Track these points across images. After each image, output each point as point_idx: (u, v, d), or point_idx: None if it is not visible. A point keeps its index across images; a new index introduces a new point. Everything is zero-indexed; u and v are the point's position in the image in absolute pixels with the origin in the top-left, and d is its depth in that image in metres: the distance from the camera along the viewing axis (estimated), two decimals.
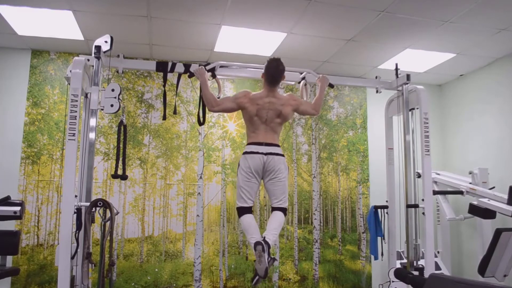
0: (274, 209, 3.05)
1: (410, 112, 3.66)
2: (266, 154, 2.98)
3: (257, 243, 2.72)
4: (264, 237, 2.81)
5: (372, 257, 4.83)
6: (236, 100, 3.09)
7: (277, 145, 3.07)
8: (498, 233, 3.59)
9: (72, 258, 2.64)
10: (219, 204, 4.92)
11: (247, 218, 2.97)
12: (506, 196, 3.75)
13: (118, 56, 3.22)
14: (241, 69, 3.43)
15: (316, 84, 3.47)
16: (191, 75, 3.28)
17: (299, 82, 3.60)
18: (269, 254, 2.73)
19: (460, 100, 5.48)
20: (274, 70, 3.06)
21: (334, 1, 3.52)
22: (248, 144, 3.07)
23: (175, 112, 3.81)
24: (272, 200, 3.07)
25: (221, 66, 3.29)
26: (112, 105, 2.90)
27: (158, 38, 4.35)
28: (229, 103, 3.11)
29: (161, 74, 3.33)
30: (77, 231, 2.71)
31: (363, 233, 5.30)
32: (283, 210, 3.04)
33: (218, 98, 3.28)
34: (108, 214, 2.67)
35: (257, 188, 3.06)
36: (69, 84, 2.77)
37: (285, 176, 3.05)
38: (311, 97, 5.34)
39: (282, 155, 3.06)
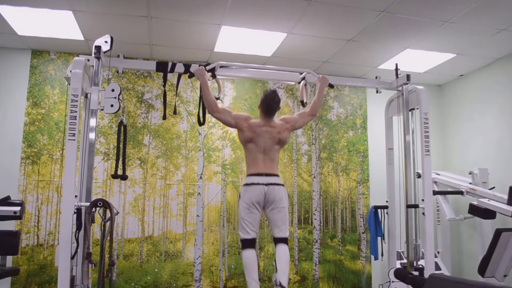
0: (276, 240, 3.06)
1: (410, 112, 3.66)
2: (266, 184, 3.01)
3: None
4: (280, 283, 2.82)
5: (372, 257, 4.83)
6: (236, 119, 3.14)
7: (277, 175, 3.11)
8: (498, 233, 3.59)
9: (72, 258, 2.64)
10: (219, 204, 4.92)
11: (248, 255, 2.99)
12: (506, 196, 3.75)
13: (118, 56, 3.22)
14: (241, 69, 3.43)
15: (316, 84, 3.48)
16: (191, 75, 3.28)
17: (299, 82, 3.61)
18: None
19: (460, 100, 5.48)
20: (270, 102, 3.14)
21: (334, 1, 3.52)
22: (248, 175, 3.10)
23: (175, 112, 3.81)
24: (273, 229, 3.08)
25: (221, 66, 3.29)
26: (112, 105, 2.90)
27: (158, 38, 4.35)
28: (228, 116, 3.14)
29: (161, 74, 3.33)
30: (77, 231, 2.71)
31: (363, 233, 5.30)
32: (286, 241, 3.05)
33: (218, 98, 3.29)
34: (108, 214, 2.67)
35: (259, 219, 3.08)
36: (69, 84, 2.77)
37: (286, 205, 3.08)
38: (311, 97, 5.35)
39: (283, 185, 3.10)
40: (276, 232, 3.06)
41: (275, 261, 3.01)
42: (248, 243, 3.02)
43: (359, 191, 5.39)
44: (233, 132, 5.06)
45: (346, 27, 4.03)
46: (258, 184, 3.01)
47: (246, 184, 3.06)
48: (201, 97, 3.27)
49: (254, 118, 3.21)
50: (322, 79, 3.44)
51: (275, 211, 3.04)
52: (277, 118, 3.26)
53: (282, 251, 3.00)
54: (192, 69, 3.27)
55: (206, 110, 3.26)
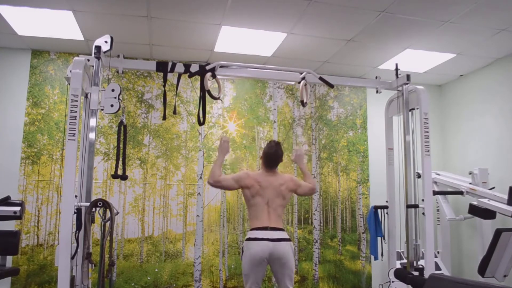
0: None
1: (410, 112, 3.65)
2: (272, 240, 2.91)
3: None
4: None
5: (372, 257, 4.84)
6: (239, 182, 3.11)
7: (283, 229, 3.03)
8: (498, 233, 3.59)
9: (72, 258, 2.63)
10: (219, 205, 4.92)
11: None
12: (506, 196, 3.75)
13: (118, 56, 3.21)
14: (241, 69, 3.42)
15: (293, 161, 3.46)
16: (191, 75, 3.27)
17: (299, 82, 3.60)
18: None
19: (460, 100, 5.48)
20: (273, 156, 3.14)
21: (334, 2, 3.52)
22: (252, 229, 3.01)
23: (175, 112, 3.80)
24: (279, 283, 3.03)
25: (221, 66, 3.28)
26: (112, 105, 2.90)
27: (158, 38, 4.35)
28: (230, 182, 3.14)
29: (161, 74, 3.32)
30: (77, 231, 2.71)
31: (363, 233, 5.30)
32: None
33: (218, 98, 3.27)
34: (108, 214, 2.67)
35: (263, 273, 3.02)
36: (69, 84, 2.76)
37: (293, 260, 3.01)
38: (311, 97, 5.35)
39: (289, 239, 3.01)
40: (282, 286, 3.01)
41: None
42: None
43: (359, 191, 5.39)
44: (233, 132, 5.07)
45: (346, 27, 4.03)
46: (263, 239, 2.91)
47: (250, 239, 2.95)
48: (201, 97, 3.27)
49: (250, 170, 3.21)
50: (296, 156, 3.39)
51: (282, 267, 2.96)
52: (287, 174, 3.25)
53: None
54: (220, 139, 3.25)
55: (207, 109, 3.27)
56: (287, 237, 3.02)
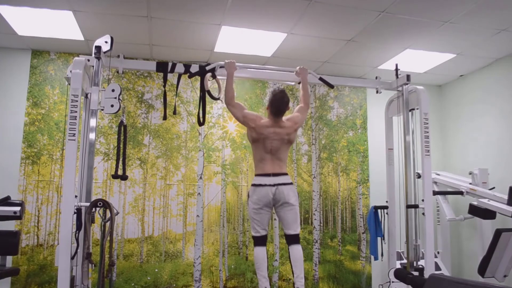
0: (288, 238, 3.08)
1: (410, 113, 3.66)
2: (274, 185, 3.00)
3: None
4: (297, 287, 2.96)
5: (372, 257, 4.84)
6: (245, 117, 3.13)
7: (285, 174, 3.09)
8: (498, 233, 3.59)
9: (72, 258, 2.64)
10: (219, 205, 4.92)
11: (258, 252, 3.07)
12: (506, 197, 3.75)
13: (118, 56, 3.22)
14: (241, 69, 3.43)
15: (297, 77, 3.45)
16: (191, 75, 3.28)
17: (299, 83, 3.60)
18: None
19: (460, 101, 5.48)
20: (279, 103, 3.11)
21: (334, 2, 3.52)
22: (256, 175, 3.10)
23: (175, 113, 3.81)
24: (284, 227, 3.10)
25: (221, 67, 3.29)
26: (112, 106, 2.90)
27: (158, 38, 4.35)
28: (240, 113, 3.15)
29: (161, 74, 3.33)
30: (77, 231, 2.71)
31: (363, 233, 5.30)
32: (298, 239, 3.08)
33: (218, 99, 3.29)
34: (108, 214, 2.67)
35: (269, 218, 3.12)
36: (69, 84, 2.77)
37: (296, 203, 3.07)
38: (311, 97, 5.35)
39: (291, 183, 3.08)
40: (287, 230, 3.09)
41: (290, 263, 3.08)
42: (259, 241, 3.09)
43: (359, 191, 5.39)
44: (233, 132, 5.07)
45: (346, 27, 4.03)
46: (266, 185, 3.00)
47: (254, 185, 3.06)
48: (201, 97, 3.28)
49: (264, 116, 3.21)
50: (301, 70, 3.41)
51: (284, 210, 3.05)
52: (285, 117, 3.22)
53: (296, 253, 3.05)
54: (218, 65, 3.27)
55: (207, 110, 3.27)
56: (290, 181, 3.08)
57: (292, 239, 3.07)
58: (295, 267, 3.04)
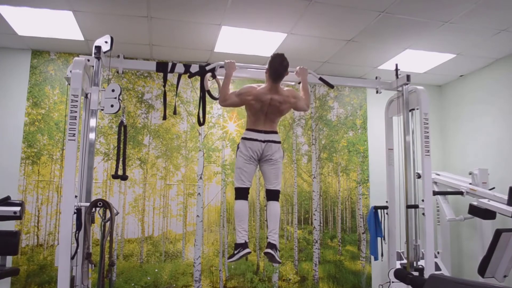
0: (268, 193, 3.19)
1: (410, 113, 3.66)
2: (264, 141, 3.11)
3: (266, 253, 2.99)
4: (269, 241, 3.02)
5: (372, 257, 4.84)
6: (240, 96, 3.16)
7: (275, 132, 3.20)
8: (498, 233, 3.58)
9: (72, 258, 2.64)
10: (219, 205, 4.92)
11: (241, 205, 3.15)
12: (506, 197, 3.75)
13: (118, 56, 3.22)
14: (241, 69, 3.43)
15: (297, 77, 3.46)
16: (191, 75, 3.28)
17: (299, 83, 3.60)
18: (277, 250, 3.00)
19: (460, 101, 5.48)
20: (278, 66, 3.09)
21: (334, 2, 3.52)
22: (248, 129, 3.18)
23: (175, 113, 3.81)
24: (266, 182, 3.21)
25: (221, 67, 3.29)
26: (112, 106, 2.90)
27: (158, 39, 4.35)
28: (234, 98, 3.19)
29: (161, 74, 3.32)
30: (77, 232, 2.71)
31: (363, 233, 5.30)
32: (277, 196, 3.20)
33: (217, 99, 3.28)
34: (108, 215, 2.67)
35: (254, 170, 3.21)
36: (69, 84, 2.77)
37: (280, 161, 3.20)
38: (311, 97, 5.35)
39: (279, 142, 3.19)
40: (268, 185, 3.20)
41: (266, 218, 3.23)
42: (242, 193, 3.15)
43: (359, 192, 5.39)
44: (233, 132, 5.07)
45: (346, 27, 4.03)
46: (256, 140, 3.10)
47: (245, 138, 3.14)
48: (201, 97, 3.28)
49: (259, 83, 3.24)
50: (301, 70, 3.41)
51: (269, 166, 3.16)
52: (285, 88, 3.24)
53: (273, 209, 3.16)
54: (218, 65, 3.30)
55: (207, 110, 3.28)
56: (278, 139, 3.18)
57: (272, 195, 3.18)
58: (269, 222, 3.13)
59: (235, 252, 3.08)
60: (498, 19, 3.82)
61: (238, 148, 3.18)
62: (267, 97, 3.10)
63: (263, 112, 3.13)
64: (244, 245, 3.05)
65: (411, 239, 3.49)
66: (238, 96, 3.16)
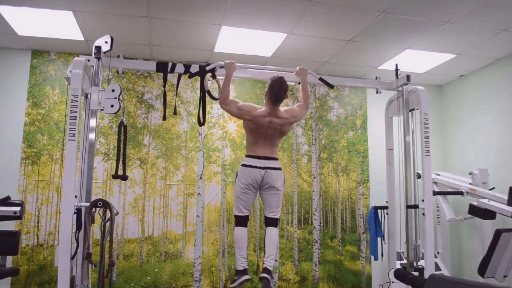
0: (266, 220, 3.17)
1: (410, 113, 3.66)
2: (264, 168, 3.07)
3: (261, 278, 2.95)
4: (266, 267, 2.99)
5: (372, 257, 4.84)
6: (241, 110, 3.15)
7: (275, 159, 3.16)
8: (498, 233, 3.58)
9: (72, 258, 2.64)
10: (219, 205, 4.92)
11: (239, 232, 3.14)
12: (506, 197, 3.75)
13: (118, 56, 3.22)
14: (241, 69, 3.43)
15: (297, 78, 3.45)
16: (191, 75, 3.28)
17: (299, 83, 3.60)
18: (270, 280, 2.95)
19: (460, 101, 5.48)
20: (277, 90, 3.10)
21: (334, 2, 3.52)
22: (247, 156, 3.15)
23: (175, 113, 3.81)
24: (266, 209, 3.18)
25: (221, 67, 3.29)
26: (112, 106, 2.90)
27: (158, 39, 4.35)
28: (234, 108, 3.18)
29: (161, 74, 3.33)
30: (77, 232, 2.71)
31: (363, 233, 5.30)
32: (276, 223, 3.16)
33: (218, 99, 3.29)
34: (108, 215, 2.67)
35: (254, 199, 3.19)
36: (69, 84, 2.77)
37: (281, 189, 3.16)
38: (311, 97, 5.35)
39: (280, 169, 3.14)
40: (268, 213, 3.17)
41: (264, 244, 3.15)
42: (241, 220, 3.14)
43: (359, 192, 5.39)
44: (233, 132, 5.07)
45: (346, 27, 4.03)
46: (256, 167, 3.06)
47: (244, 165, 3.11)
48: (201, 97, 3.28)
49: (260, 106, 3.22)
50: (301, 70, 3.40)
51: (269, 194, 3.13)
52: (283, 109, 3.23)
53: (271, 235, 3.13)
54: (218, 64, 3.29)
55: (207, 110, 3.28)
56: (279, 166, 3.14)
57: (271, 222, 3.15)
58: (267, 247, 3.10)
59: (236, 278, 3.06)
60: (498, 19, 3.82)
61: (236, 175, 3.15)
62: (266, 120, 3.09)
63: (262, 135, 3.11)
64: (243, 272, 3.05)
65: (411, 239, 3.50)
66: (238, 108, 3.16)
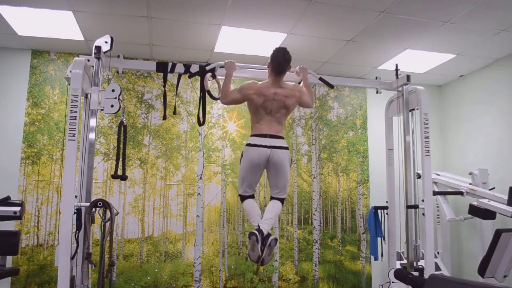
0: (273, 198, 3.09)
1: (410, 113, 3.66)
2: (270, 147, 2.95)
3: (250, 234, 2.78)
4: (259, 226, 2.85)
5: (372, 257, 4.83)
6: (242, 91, 3.06)
7: (281, 137, 3.04)
8: (498, 233, 3.59)
9: (72, 258, 2.64)
10: (219, 205, 4.92)
11: (249, 203, 3.06)
12: (506, 197, 3.75)
13: (118, 56, 3.22)
14: (241, 69, 3.43)
15: (297, 76, 3.42)
16: (191, 75, 3.28)
17: (299, 83, 3.60)
18: (263, 242, 2.78)
19: (460, 101, 5.48)
20: (280, 60, 3.02)
21: (334, 2, 3.52)
22: (252, 135, 3.04)
23: (175, 113, 3.81)
24: (272, 189, 3.10)
25: (221, 67, 3.29)
26: (112, 106, 2.90)
27: (158, 39, 4.35)
28: (235, 94, 3.09)
29: (161, 74, 3.33)
30: (77, 232, 2.71)
31: (363, 233, 5.30)
32: (282, 200, 3.09)
33: (218, 98, 3.28)
34: (108, 215, 2.67)
35: (259, 178, 3.09)
36: (69, 84, 2.77)
37: (288, 168, 3.04)
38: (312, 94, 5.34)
39: (287, 148, 3.03)
40: (275, 193, 3.08)
41: (264, 211, 3.04)
42: (247, 197, 3.08)
43: (359, 192, 5.39)
44: (233, 132, 5.07)
45: (346, 27, 4.03)
46: (262, 146, 2.95)
47: (249, 144, 2.99)
48: (201, 97, 3.27)
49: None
50: (301, 70, 3.36)
51: (276, 174, 3.02)
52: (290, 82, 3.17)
53: (274, 204, 3.04)
54: (219, 64, 3.27)
55: (207, 110, 3.27)
56: (285, 145, 3.02)
57: (276, 199, 3.08)
58: (266, 212, 2.98)
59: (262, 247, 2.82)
60: (498, 19, 3.82)
61: (242, 155, 3.04)
62: (271, 91, 2.99)
63: (267, 110, 3.00)
64: (268, 235, 2.85)
65: (411, 239, 3.50)
66: (239, 91, 3.07)
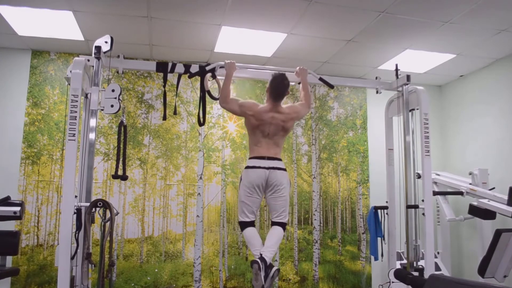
0: (274, 223, 3.08)
1: (410, 113, 3.66)
2: (268, 168, 3.00)
3: (253, 262, 2.77)
4: (261, 254, 2.83)
5: (372, 257, 4.83)
6: (242, 107, 3.13)
7: (279, 159, 3.09)
8: (498, 233, 3.58)
9: (72, 258, 2.64)
10: (219, 205, 4.92)
11: (249, 231, 3.03)
12: (506, 197, 3.75)
13: (118, 56, 3.22)
14: (241, 69, 3.43)
15: (297, 77, 3.44)
16: (191, 75, 3.28)
17: (299, 83, 3.60)
18: (266, 271, 2.74)
19: (460, 101, 5.48)
20: (279, 86, 3.08)
21: (334, 2, 3.52)
22: (250, 158, 3.09)
23: (175, 113, 3.81)
24: (272, 214, 3.10)
25: (221, 67, 3.29)
26: (112, 106, 2.90)
27: (158, 39, 4.35)
28: (235, 106, 3.15)
29: (161, 74, 3.33)
30: (77, 232, 2.71)
31: (363, 233, 5.30)
32: (283, 225, 3.06)
33: (218, 99, 3.29)
34: (108, 215, 2.67)
35: (259, 203, 3.09)
36: (69, 84, 2.77)
37: (287, 191, 3.07)
38: (311, 98, 5.34)
39: (285, 170, 3.08)
40: (275, 217, 3.07)
41: (266, 238, 3.02)
42: (247, 224, 3.06)
43: (359, 192, 5.39)
44: (233, 132, 5.07)
45: (346, 27, 4.03)
46: (260, 167, 2.99)
47: (248, 167, 3.05)
48: (201, 97, 3.27)
49: (261, 103, 3.18)
50: (301, 70, 3.39)
51: (275, 197, 3.04)
52: (284, 106, 3.20)
53: (276, 230, 3.03)
54: (218, 64, 3.27)
55: (207, 110, 3.27)
56: (283, 166, 3.07)
57: (278, 224, 3.06)
58: (268, 239, 2.97)
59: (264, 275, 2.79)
60: (498, 19, 3.82)
61: (240, 179, 3.08)
62: (268, 116, 3.05)
63: (265, 133, 3.06)
64: (270, 266, 2.81)
65: (411, 239, 3.50)
66: (239, 106, 3.13)
